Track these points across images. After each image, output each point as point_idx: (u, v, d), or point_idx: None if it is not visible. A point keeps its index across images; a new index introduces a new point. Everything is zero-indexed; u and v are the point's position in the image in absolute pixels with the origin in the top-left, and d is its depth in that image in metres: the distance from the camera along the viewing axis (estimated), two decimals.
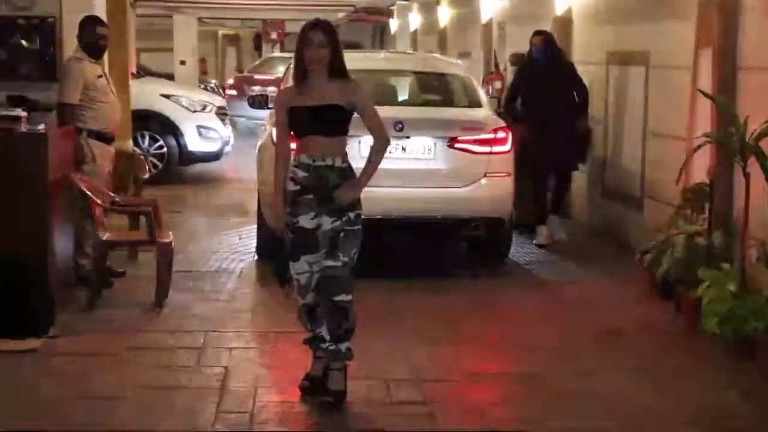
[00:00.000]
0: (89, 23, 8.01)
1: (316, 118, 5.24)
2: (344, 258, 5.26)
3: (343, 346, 5.35)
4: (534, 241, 9.61)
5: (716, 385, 5.78)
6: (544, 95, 9.57)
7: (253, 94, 11.44)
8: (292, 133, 5.38)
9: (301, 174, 5.27)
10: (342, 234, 5.25)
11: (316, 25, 5.28)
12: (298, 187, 5.28)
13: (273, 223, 5.52)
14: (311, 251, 5.28)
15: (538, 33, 10.00)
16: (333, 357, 5.37)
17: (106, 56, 8.41)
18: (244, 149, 14.01)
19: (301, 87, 5.29)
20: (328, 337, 5.37)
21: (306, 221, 5.27)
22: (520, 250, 9.44)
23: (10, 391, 5.48)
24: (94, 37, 7.87)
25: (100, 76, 7.88)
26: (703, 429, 5.14)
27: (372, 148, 5.43)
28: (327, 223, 5.25)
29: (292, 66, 5.55)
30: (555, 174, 9.92)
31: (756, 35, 7.01)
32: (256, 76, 26.23)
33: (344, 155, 5.32)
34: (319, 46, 5.20)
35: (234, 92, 25.62)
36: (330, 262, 5.26)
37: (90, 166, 7.63)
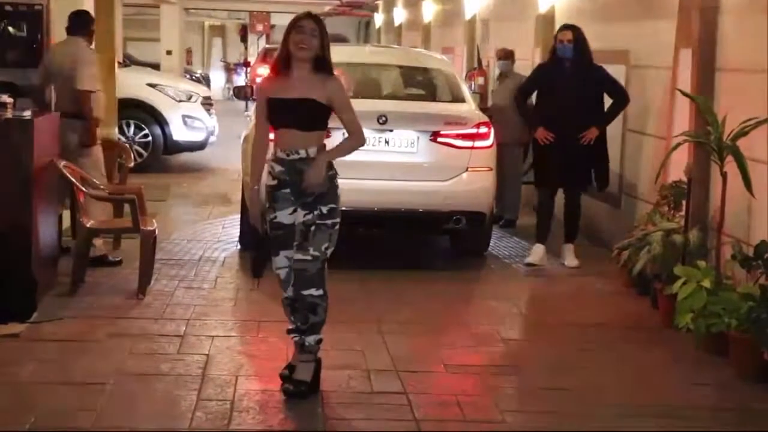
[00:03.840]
0: (91, 18, 8.49)
1: (293, 111, 5.22)
2: (314, 252, 5.23)
3: (309, 339, 5.35)
4: (526, 260, 8.72)
5: (689, 380, 5.88)
6: (565, 100, 8.46)
7: (237, 85, 11.53)
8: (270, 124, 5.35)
9: (277, 168, 5.25)
10: (313, 227, 5.23)
11: (310, 15, 5.30)
12: (275, 182, 5.27)
13: (252, 217, 5.50)
14: (290, 246, 5.29)
15: (566, 27, 8.76)
16: (299, 349, 5.40)
17: (92, 44, 8.65)
18: (230, 139, 14.07)
19: (283, 78, 5.27)
20: (293, 327, 5.40)
21: (284, 216, 5.27)
22: (499, 244, 9.54)
23: None
24: (92, 32, 8.42)
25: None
26: (674, 423, 5.20)
27: (347, 138, 5.42)
28: (300, 216, 5.25)
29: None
30: (564, 192, 8.78)
31: (734, 37, 7.11)
32: None
33: (321, 147, 5.30)
34: (311, 35, 5.19)
35: None
36: (300, 256, 5.25)
37: (96, 149, 8.14)
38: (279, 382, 5.41)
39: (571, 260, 8.66)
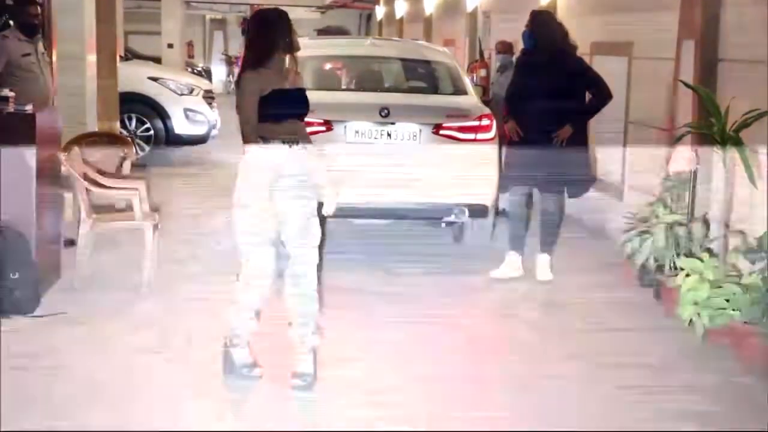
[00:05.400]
0: (21, 3, 8.37)
1: (300, 101, 5.32)
2: (317, 243, 5.33)
3: (309, 331, 5.39)
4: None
5: (692, 372, 5.88)
6: (532, 96, 7.63)
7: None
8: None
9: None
10: (313, 218, 5.29)
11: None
12: None
13: None
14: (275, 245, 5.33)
15: (531, 13, 8.05)
16: (300, 342, 5.41)
17: (93, 37, 8.57)
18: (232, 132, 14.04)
19: (269, 70, 5.25)
20: (299, 322, 5.42)
21: None
22: (502, 236, 9.51)
23: None
24: (24, 17, 8.28)
25: (27, 55, 8.22)
26: (677, 415, 5.20)
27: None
28: (298, 208, 5.26)
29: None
30: (543, 197, 8.01)
31: (737, 28, 7.10)
32: None
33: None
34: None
35: None
36: (309, 250, 5.31)
37: None
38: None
39: (543, 273, 7.89)
